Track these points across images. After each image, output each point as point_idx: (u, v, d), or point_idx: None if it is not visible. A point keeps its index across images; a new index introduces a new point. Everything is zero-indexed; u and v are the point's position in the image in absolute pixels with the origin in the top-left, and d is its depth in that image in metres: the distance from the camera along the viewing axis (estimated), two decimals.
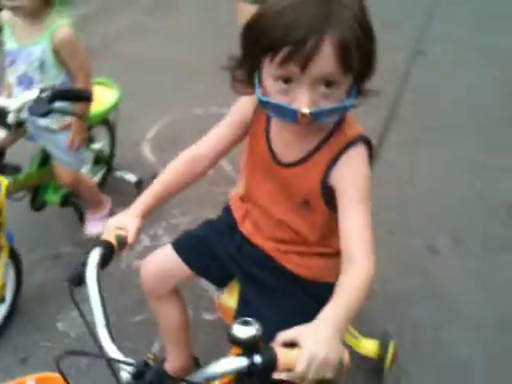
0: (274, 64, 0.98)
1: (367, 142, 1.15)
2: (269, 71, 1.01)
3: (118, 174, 2.72)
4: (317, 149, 1.15)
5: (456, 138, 3.42)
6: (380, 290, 2.19)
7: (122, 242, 1.16)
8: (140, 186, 2.63)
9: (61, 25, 1.84)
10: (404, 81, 4.06)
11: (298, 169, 1.18)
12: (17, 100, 1.67)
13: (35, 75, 1.89)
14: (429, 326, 2.15)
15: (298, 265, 1.33)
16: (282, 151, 1.21)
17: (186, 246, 1.46)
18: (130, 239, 1.16)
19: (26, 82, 1.91)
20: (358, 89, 1.06)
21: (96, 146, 2.59)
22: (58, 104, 1.64)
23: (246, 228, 1.39)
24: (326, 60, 0.95)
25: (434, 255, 2.51)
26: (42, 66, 1.87)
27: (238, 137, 1.29)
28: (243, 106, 1.27)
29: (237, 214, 1.43)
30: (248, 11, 1.24)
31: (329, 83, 0.98)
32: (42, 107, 1.57)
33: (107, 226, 1.18)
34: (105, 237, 1.14)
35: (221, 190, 2.71)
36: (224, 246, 1.42)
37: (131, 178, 2.69)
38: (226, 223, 1.45)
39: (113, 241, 1.13)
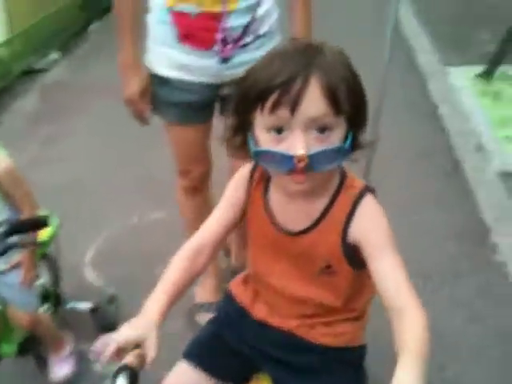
0: (265, 113, 0.99)
1: (372, 191, 1.15)
2: (261, 123, 1.02)
3: (69, 305, 2.51)
4: (327, 209, 1.13)
5: None
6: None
7: (142, 361, 1.03)
8: (96, 314, 2.43)
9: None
10: None
11: (312, 234, 1.14)
12: None
13: None
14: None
15: (326, 335, 1.27)
16: (289, 221, 1.17)
17: (200, 353, 1.35)
18: (151, 356, 1.00)
19: None
20: (353, 136, 1.05)
21: (39, 281, 2.39)
22: (13, 238, 1.51)
23: (259, 312, 1.32)
24: (314, 100, 0.96)
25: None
26: None
27: (236, 220, 1.25)
28: (235, 189, 1.24)
29: (244, 300, 1.35)
30: None
31: (322, 129, 0.99)
32: None
33: (121, 340, 1.01)
34: (126, 361, 1.01)
35: None
36: (240, 338, 1.33)
37: (84, 306, 2.49)
38: (233, 313, 1.36)
39: (135, 363, 1.00)
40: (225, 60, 1.87)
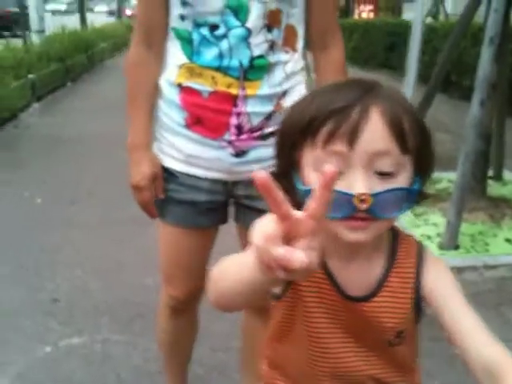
0: (316, 148, 0.85)
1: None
2: (310, 161, 0.87)
3: None
4: (390, 266, 0.97)
5: None
6: None
7: None
8: None
9: None
10: None
11: (381, 297, 0.96)
12: None
13: None
14: None
15: None
16: (349, 284, 0.96)
17: None
18: None
19: None
20: (420, 182, 0.90)
21: None
22: None
23: None
24: (377, 131, 0.82)
25: None
26: None
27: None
28: None
29: None
30: None
31: (385, 173, 0.84)
32: None
33: None
34: None
35: None
36: None
37: None
38: None
39: None
40: (239, 153, 1.50)
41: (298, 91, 1.50)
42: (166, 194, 1.62)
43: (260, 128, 1.48)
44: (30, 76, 7.97)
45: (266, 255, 0.61)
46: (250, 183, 1.36)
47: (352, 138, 0.82)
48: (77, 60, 10.89)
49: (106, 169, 4.91)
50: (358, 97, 0.83)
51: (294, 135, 0.88)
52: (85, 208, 4.14)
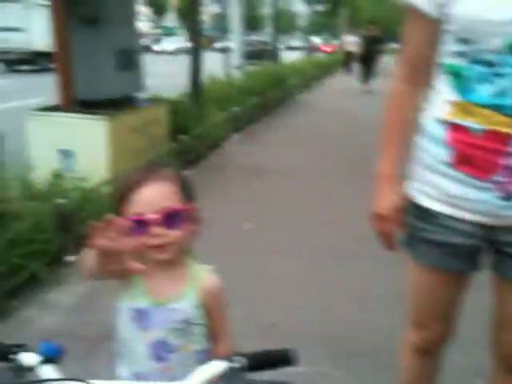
0: None
1: None
2: None
3: None
4: None
5: None
6: None
7: None
8: None
9: (207, 273, 1.37)
10: None
11: None
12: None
13: (175, 341, 1.32)
14: None
15: None
16: None
17: None
18: None
19: (161, 350, 1.32)
20: None
21: None
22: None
23: None
24: None
25: None
26: (185, 329, 1.32)
27: None
28: None
29: None
30: None
31: None
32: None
33: None
34: None
35: None
36: None
37: None
38: None
39: None
40: (508, 197, 1.42)
41: None
42: (418, 234, 1.59)
43: None
44: (234, 109, 8.54)
45: None
46: None
47: None
48: (272, 94, 11.44)
49: (306, 200, 5.07)
50: None
51: None
52: (292, 237, 4.27)
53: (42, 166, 4.27)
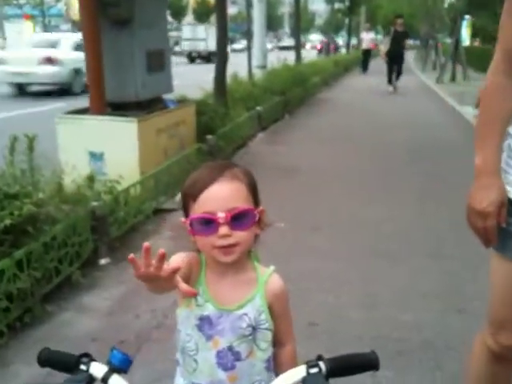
0: None
1: None
2: None
3: None
4: None
5: None
6: None
7: None
8: None
9: (271, 275, 1.30)
10: None
11: None
12: None
13: (241, 348, 1.24)
14: None
15: None
16: None
17: None
18: None
19: (228, 358, 1.24)
20: None
21: None
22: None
23: None
24: None
25: None
26: (252, 335, 1.25)
27: None
28: None
29: None
30: None
31: None
32: None
33: None
34: None
35: None
36: None
37: None
38: None
39: None
40: None
41: None
42: (510, 229, 1.51)
43: None
44: (258, 108, 8.48)
45: None
46: None
47: None
48: (294, 93, 11.36)
49: (336, 199, 5.03)
50: None
51: None
52: (327, 236, 4.19)
53: (73, 168, 4.25)
